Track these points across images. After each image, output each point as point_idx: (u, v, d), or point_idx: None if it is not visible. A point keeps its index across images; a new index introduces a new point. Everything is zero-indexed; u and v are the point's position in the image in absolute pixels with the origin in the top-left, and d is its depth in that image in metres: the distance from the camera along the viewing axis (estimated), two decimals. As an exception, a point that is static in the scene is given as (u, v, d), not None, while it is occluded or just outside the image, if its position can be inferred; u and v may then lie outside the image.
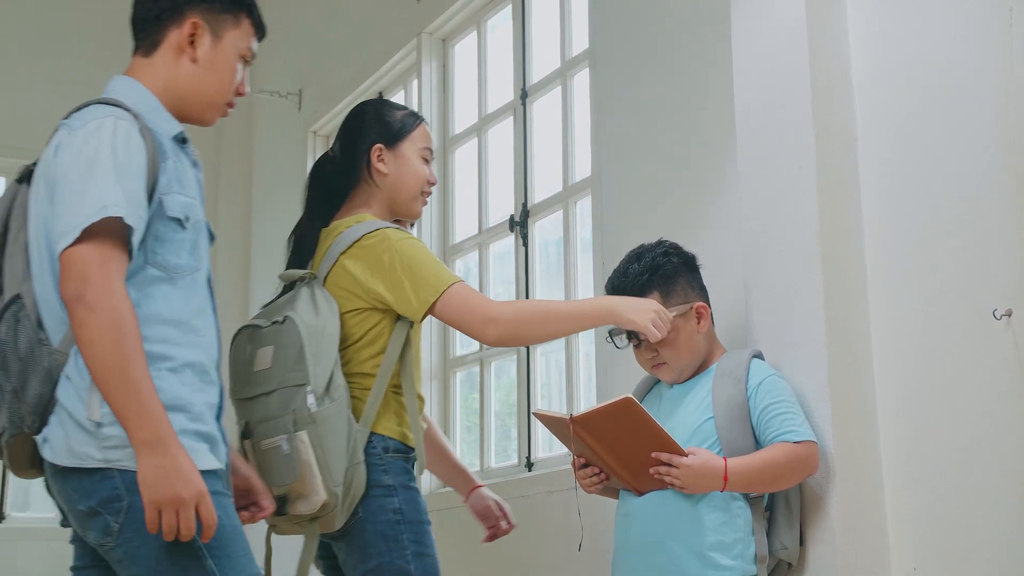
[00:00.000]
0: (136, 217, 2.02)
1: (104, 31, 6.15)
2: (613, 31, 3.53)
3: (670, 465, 2.41)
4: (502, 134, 4.40)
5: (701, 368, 2.63)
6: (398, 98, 5.20)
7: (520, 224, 4.13)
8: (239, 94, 2.30)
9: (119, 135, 2.05)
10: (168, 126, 2.18)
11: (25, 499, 7.46)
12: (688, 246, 2.75)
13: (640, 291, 2.57)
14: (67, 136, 2.08)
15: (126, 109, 2.10)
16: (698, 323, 2.60)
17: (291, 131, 5.87)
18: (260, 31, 2.33)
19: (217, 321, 2.21)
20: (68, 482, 2.03)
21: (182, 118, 2.24)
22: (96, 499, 2.00)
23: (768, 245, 2.68)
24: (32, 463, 2.10)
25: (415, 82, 4.90)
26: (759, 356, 2.60)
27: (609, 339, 2.68)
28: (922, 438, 2.48)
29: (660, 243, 2.66)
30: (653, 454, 2.42)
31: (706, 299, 2.65)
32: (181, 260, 2.12)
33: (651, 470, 2.44)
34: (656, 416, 2.49)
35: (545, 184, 4.11)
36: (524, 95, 4.21)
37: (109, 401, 1.94)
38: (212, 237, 2.29)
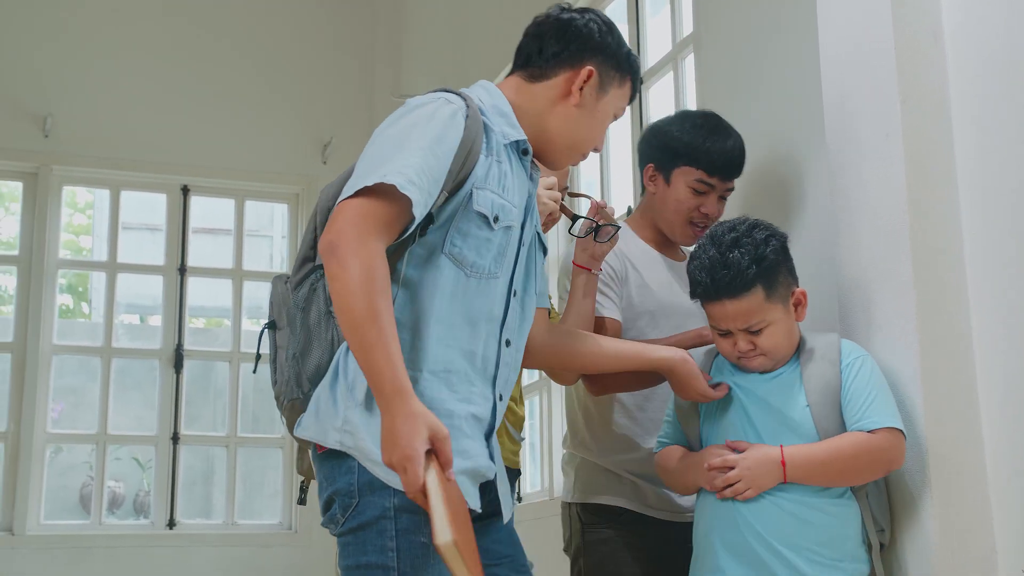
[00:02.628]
0: (420, 191, 1.96)
1: (254, 57, 6.41)
2: (716, 13, 3.40)
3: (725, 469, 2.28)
4: (622, 122, 4.27)
5: None
6: (527, 95, 5.13)
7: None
8: (595, 149, 2.33)
9: (439, 115, 2.05)
10: (510, 131, 2.19)
11: (207, 506, 7.77)
12: (783, 223, 2.59)
13: (744, 287, 2.31)
14: (399, 109, 2.12)
15: (462, 96, 2.12)
16: (796, 310, 2.40)
17: (433, 134, 5.88)
18: (633, 97, 2.39)
19: (502, 336, 2.15)
20: (319, 464, 2.07)
21: (536, 152, 2.26)
22: (333, 488, 2.03)
23: (857, 220, 2.49)
24: None
25: (539, 76, 4.82)
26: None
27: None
28: (1032, 425, 2.25)
29: (755, 225, 2.38)
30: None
31: (797, 281, 2.45)
32: (482, 260, 2.09)
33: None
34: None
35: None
36: (640, 81, 4.08)
37: (356, 354, 1.91)
38: (545, 250, 2.32)
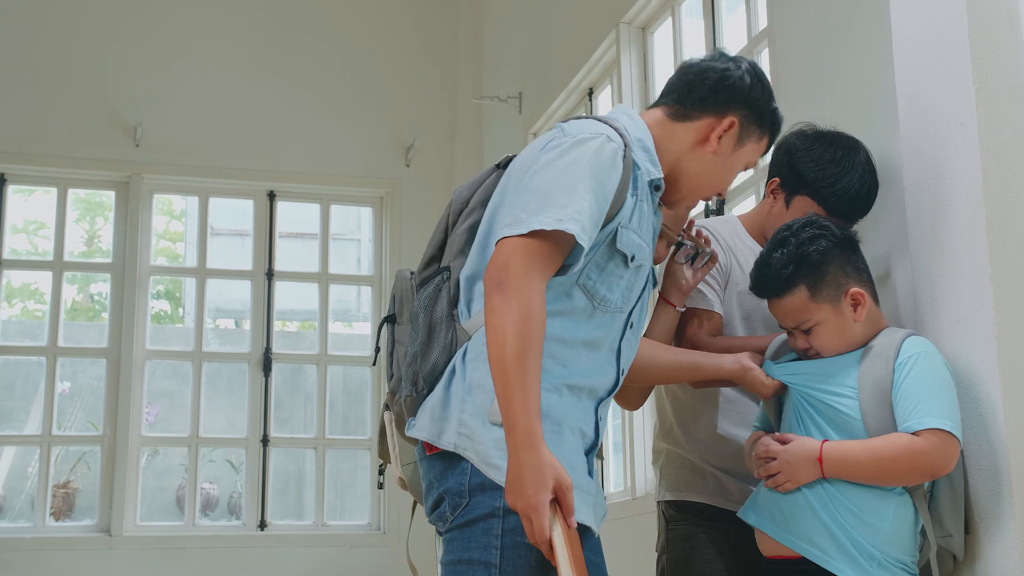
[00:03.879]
0: (588, 237, 2.03)
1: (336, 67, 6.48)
2: (789, 6, 3.34)
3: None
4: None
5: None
6: (605, 93, 5.11)
7: (716, 212, 3.95)
8: (718, 195, 2.35)
9: (603, 155, 2.09)
10: (652, 169, 2.21)
11: (299, 508, 7.87)
12: (870, 219, 2.56)
13: (784, 287, 2.35)
14: (558, 137, 2.14)
15: (620, 135, 2.15)
16: (854, 311, 2.35)
17: (514, 134, 5.89)
18: (767, 151, 2.38)
19: (619, 365, 2.19)
20: (429, 465, 2.11)
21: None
22: (444, 487, 2.06)
23: (931, 212, 2.43)
24: None
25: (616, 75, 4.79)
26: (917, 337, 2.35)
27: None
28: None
29: (809, 222, 2.39)
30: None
31: (865, 280, 2.39)
32: (612, 295, 2.14)
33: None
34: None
35: (740, 168, 3.92)
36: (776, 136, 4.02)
37: (497, 389, 1.95)
38: (655, 283, 2.34)
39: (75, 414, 8.45)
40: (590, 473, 2.16)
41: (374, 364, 2.58)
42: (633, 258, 2.14)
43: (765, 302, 2.66)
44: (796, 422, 2.37)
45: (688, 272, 2.60)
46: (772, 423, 2.48)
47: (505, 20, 6.28)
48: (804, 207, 2.61)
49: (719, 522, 2.69)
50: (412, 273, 2.29)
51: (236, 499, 7.96)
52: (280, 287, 6.53)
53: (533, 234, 1.99)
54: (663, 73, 4.59)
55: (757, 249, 2.74)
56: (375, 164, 6.52)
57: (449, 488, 2.05)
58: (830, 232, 2.37)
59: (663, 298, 2.62)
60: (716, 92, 2.24)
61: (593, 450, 2.17)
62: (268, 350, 6.25)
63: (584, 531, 2.06)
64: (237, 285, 6.86)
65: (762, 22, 3.75)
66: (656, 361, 2.52)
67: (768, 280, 2.38)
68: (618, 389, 2.22)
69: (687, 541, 2.71)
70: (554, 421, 2.06)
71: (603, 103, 5.13)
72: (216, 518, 7.88)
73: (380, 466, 2.49)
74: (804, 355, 2.42)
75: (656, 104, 2.32)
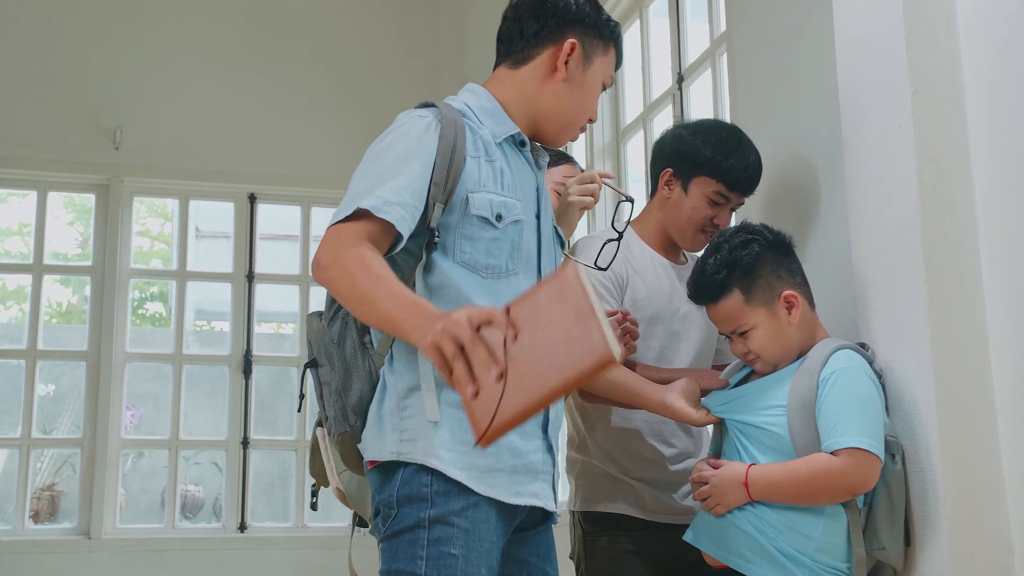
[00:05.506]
0: (403, 206, 2.00)
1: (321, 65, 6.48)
2: (746, 10, 3.34)
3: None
4: (666, 122, 4.24)
5: (800, 356, 2.39)
6: (577, 95, 5.11)
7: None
8: (590, 120, 2.33)
9: (412, 131, 2.10)
10: (500, 128, 2.22)
11: (284, 509, 7.86)
12: (812, 219, 2.58)
13: (719, 292, 2.37)
14: (380, 135, 2.17)
15: (436, 107, 2.16)
16: (788, 313, 2.35)
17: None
18: (619, 63, 2.37)
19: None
20: (371, 477, 2.13)
21: (534, 135, 2.28)
22: (378, 500, 2.09)
23: (869, 215, 2.43)
24: (360, 459, 2.19)
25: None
26: (854, 349, 2.32)
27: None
28: (1051, 425, 2.16)
29: (740, 228, 2.44)
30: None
31: (799, 283, 2.40)
32: (495, 260, 2.12)
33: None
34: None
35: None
36: (680, 79, 4.04)
37: (370, 317, 1.89)
38: (562, 244, 2.33)
39: (63, 417, 8.47)
40: (550, 452, 2.16)
41: (299, 411, 2.58)
42: (499, 216, 2.11)
43: (664, 304, 2.72)
44: (731, 448, 2.39)
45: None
46: (720, 448, 2.48)
47: (486, 22, 6.27)
48: (704, 187, 2.73)
49: (637, 531, 2.70)
50: (320, 314, 2.29)
51: (221, 501, 7.98)
52: (269, 289, 6.52)
53: (344, 220, 1.98)
54: (632, 71, 4.60)
55: (651, 253, 2.78)
56: (355, 166, 6.50)
57: (382, 501, 2.08)
58: (762, 236, 2.40)
59: None
60: (546, 21, 2.26)
61: (548, 426, 2.16)
62: (248, 352, 6.25)
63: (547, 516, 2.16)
64: (224, 287, 6.87)
65: (723, 25, 3.76)
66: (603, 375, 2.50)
67: (704, 286, 2.40)
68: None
69: (605, 552, 2.71)
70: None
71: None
72: (202, 520, 7.89)
73: (313, 487, 2.49)
74: (744, 359, 2.42)
75: (496, 64, 2.32)
